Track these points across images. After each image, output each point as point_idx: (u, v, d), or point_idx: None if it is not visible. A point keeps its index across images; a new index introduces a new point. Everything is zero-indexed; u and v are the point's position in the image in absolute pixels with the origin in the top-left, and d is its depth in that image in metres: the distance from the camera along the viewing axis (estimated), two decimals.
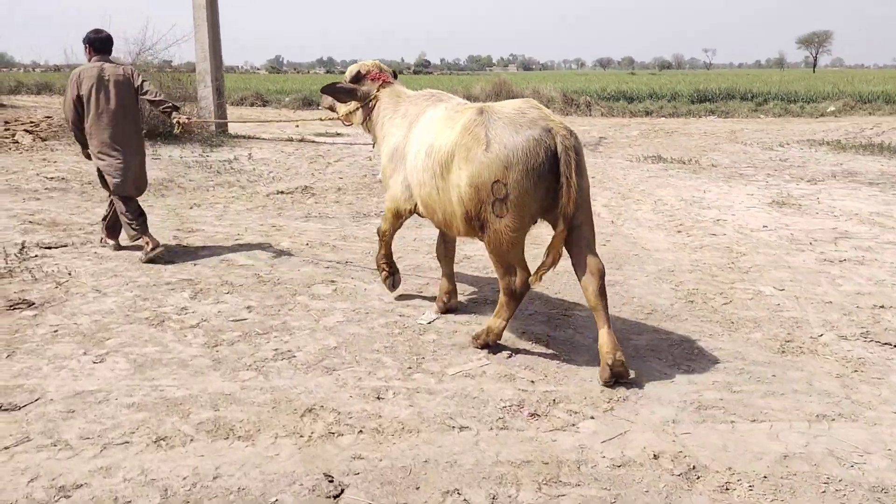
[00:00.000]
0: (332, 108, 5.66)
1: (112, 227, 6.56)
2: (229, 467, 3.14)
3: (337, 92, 5.30)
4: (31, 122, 15.32)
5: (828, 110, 24.55)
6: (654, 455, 3.27)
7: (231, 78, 38.16)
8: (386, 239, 5.19)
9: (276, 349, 4.41)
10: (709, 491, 3.02)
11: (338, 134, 16.80)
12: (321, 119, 6.16)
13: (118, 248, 6.54)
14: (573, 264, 4.11)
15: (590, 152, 14.06)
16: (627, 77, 57.68)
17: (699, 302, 5.32)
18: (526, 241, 4.25)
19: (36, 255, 6.26)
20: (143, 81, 6.37)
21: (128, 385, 3.88)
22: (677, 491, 3.02)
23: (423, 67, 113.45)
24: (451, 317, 5.01)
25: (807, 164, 12.37)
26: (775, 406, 3.75)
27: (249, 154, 12.99)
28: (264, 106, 27.78)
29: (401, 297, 5.40)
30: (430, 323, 4.89)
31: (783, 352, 4.45)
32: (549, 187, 3.91)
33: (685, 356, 4.37)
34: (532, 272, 4.13)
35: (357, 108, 5.28)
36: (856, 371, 4.18)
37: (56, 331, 4.62)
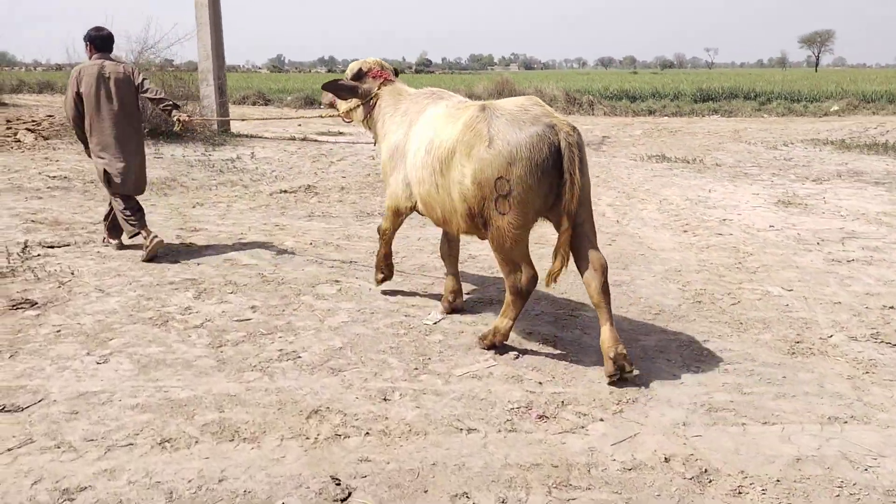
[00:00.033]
0: (332, 105, 5.65)
1: (114, 226, 6.52)
2: (235, 470, 3.09)
3: (338, 89, 5.28)
4: (33, 121, 15.30)
5: (831, 110, 24.48)
6: (666, 458, 3.22)
7: (233, 77, 38.13)
8: (387, 238, 5.18)
9: (280, 350, 4.37)
10: (721, 495, 2.98)
11: (340, 133, 16.76)
12: (321, 116, 6.16)
13: (121, 247, 6.50)
14: (575, 261, 4.08)
15: (593, 151, 14.01)
16: (629, 76, 57.62)
17: (707, 302, 5.28)
18: (531, 242, 4.23)
19: (38, 255, 6.22)
20: (143, 80, 6.36)
21: (132, 386, 3.84)
22: (689, 495, 2.97)
23: (424, 66, 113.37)
24: (456, 317, 4.96)
25: (812, 164, 12.31)
26: (786, 408, 3.71)
27: (252, 153, 12.95)
28: (266, 105, 27.76)
29: (406, 297, 5.35)
30: (435, 323, 4.84)
31: (793, 353, 4.41)
32: (553, 184, 3.90)
33: (694, 357, 4.32)
34: (543, 275, 4.09)
35: (358, 106, 5.26)
36: (867, 373, 4.13)
37: (59, 331, 4.58)
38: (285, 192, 9.58)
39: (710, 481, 3.07)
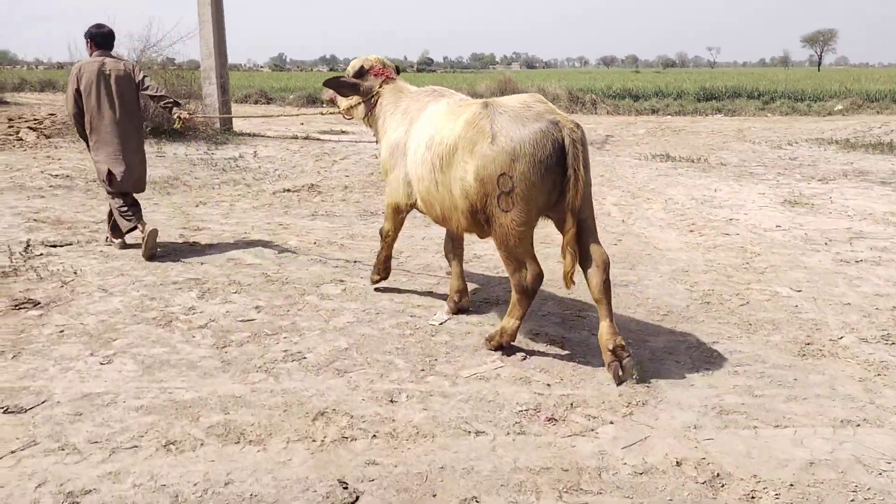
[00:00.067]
0: (332, 101, 5.63)
1: (117, 225, 6.48)
2: (241, 473, 3.05)
3: (340, 86, 5.26)
4: (35, 120, 15.26)
5: (835, 109, 24.40)
6: (677, 462, 3.18)
7: (234, 76, 38.06)
8: (389, 240, 5.18)
9: (285, 350, 4.33)
10: (734, 500, 2.93)
11: (342, 131, 16.71)
12: (322, 113, 6.16)
13: (124, 246, 6.46)
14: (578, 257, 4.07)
15: (597, 150, 13.96)
16: (632, 75, 57.55)
17: (715, 303, 5.23)
18: (537, 242, 4.20)
19: (41, 254, 6.19)
20: (143, 77, 6.35)
21: (136, 387, 3.80)
22: (702, 499, 2.93)
23: (426, 65, 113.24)
24: (463, 317, 4.92)
25: (817, 163, 12.26)
26: (798, 411, 3.66)
27: (255, 152, 12.91)
28: (268, 104, 27.74)
29: (411, 297, 5.31)
30: (441, 324, 4.80)
31: (803, 355, 4.36)
32: (556, 180, 3.89)
33: (704, 359, 4.28)
34: (549, 275, 4.06)
35: (359, 104, 5.24)
36: (879, 375, 4.09)
37: (62, 331, 4.54)
38: (288, 191, 9.54)
39: (723, 485, 3.03)
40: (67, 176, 9.91)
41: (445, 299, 5.14)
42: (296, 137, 15.49)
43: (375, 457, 3.20)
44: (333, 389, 3.82)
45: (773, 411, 3.65)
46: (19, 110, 18.06)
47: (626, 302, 5.24)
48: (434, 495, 2.94)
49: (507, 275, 4.37)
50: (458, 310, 4.98)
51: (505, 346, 4.33)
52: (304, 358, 4.22)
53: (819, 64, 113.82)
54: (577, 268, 4.02)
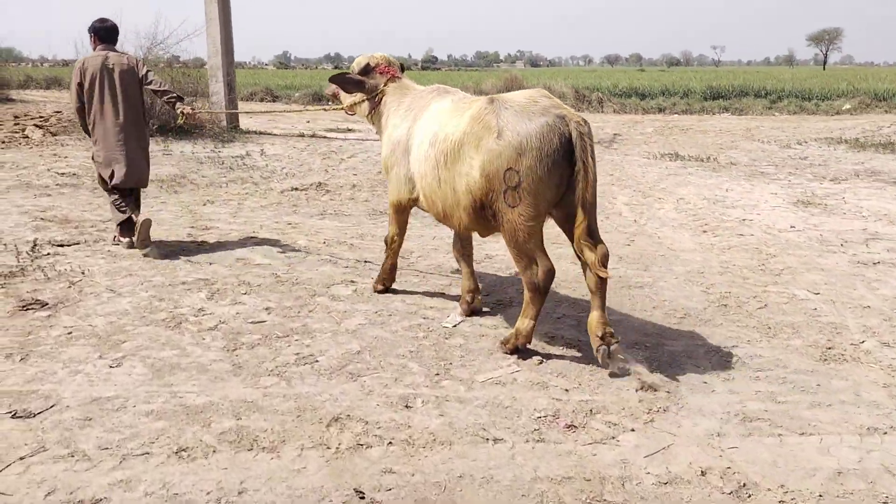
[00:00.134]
0: (335, 96, 5.58)
1: (125, 224, 6.42)
2: (255, 481, 2.98)
3: (345, 83, 5.23)
4: (41, 117, 15.23)
5: (843, 108, 24.24)
6: (702, 471, 3.10)
7: (240, 73, 37.88)
8: (394, 248, 5.17)
9: (297, 353, 4.25)
10: None
11: (349, 129, 16.63)
12: (325, 109, 6.13)
13: (132, 246, 6.39)
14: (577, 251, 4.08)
15: (605, 149, 13.87)
16: (637, 74, 57.34)
17: (733, 306, 5.14)
18: (549, 242, 4.13)
19: (48, 253, 6.12)
20: (147, 71, 6.33)
21: (146, 391, 3.73)
22: None
23: (431, 63, 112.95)
24: (476, 319, 4.84)
25: (828, 163, 12.14)
26: (823, 418, 3.57)
27: (262, 150, 12.84)
28: (274, 101, 27.65)
29: (423, 299, 5.23)
30: (455, 326, 4.72)
31: (825, 359, 4.27)
32: (563, 175, 3.88)
33: (724, 364, 4.19)
34: (562, 275, 4.00)
35: (363, 101, 5.21)
36: None
37: (70, 333, 4.47)
38: (296, 189, 9.46)
39: (750, 496, 2.95)
40: (74, 174, 9.85)
41: (458, 300, 5.05)
42: (302, 135, 15.42)
43: (392, 465, 3.12)
44: (347, 394, 3.75)
45: (797, 418, 3.56)
46: (25, 108, 18.04)
47: (641, 304, 5.15)
48: None
49: (519, 275, 4.30)
50: (472, 311, 4.91)
51: (521, 349, 4.25)
52: (317, 361, 4.14)
53: (824, 63, 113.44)
54: (569, 267, 3.99)
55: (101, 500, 2.83)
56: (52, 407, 3.54)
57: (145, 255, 6.09)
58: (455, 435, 3.37)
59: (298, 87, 31.45)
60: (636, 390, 3.82)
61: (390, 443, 3.29)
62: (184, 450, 3.19)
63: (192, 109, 6.61)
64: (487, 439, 3.33)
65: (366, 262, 6.15)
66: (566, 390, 3.83)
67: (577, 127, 3.84)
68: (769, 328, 4.73)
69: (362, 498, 2.88)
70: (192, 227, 7.29)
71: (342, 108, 5.46)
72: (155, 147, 10.76)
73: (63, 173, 9.88)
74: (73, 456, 3.12)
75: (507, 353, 4.26)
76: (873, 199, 8.97)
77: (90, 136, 6.32)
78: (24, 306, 4.86)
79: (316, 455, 3.18)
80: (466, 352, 4.31)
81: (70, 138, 13.03)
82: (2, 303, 4.93)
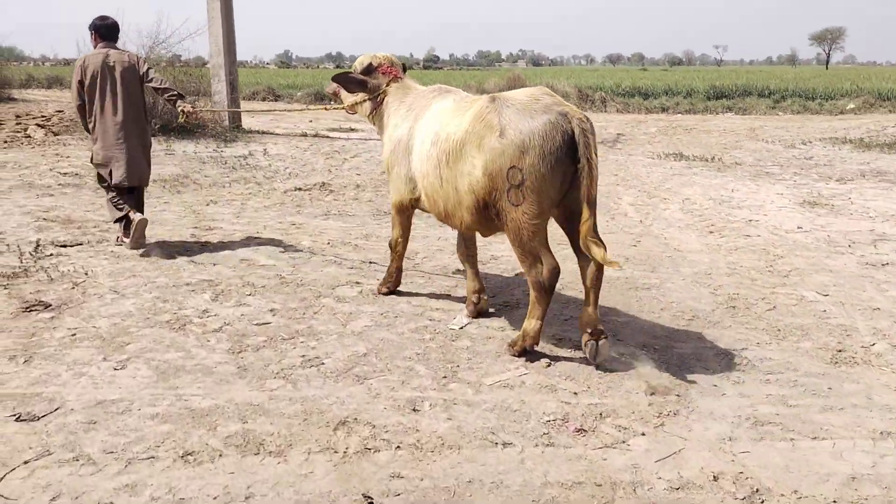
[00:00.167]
0: (336, 95, 5.56)
1: (128, 224, 6.39)
2: (262, 486, 2.94)
3: (348, 82, 5.21)
4: (43, 116, 15.20)
5: (847, 108, 24.17)
6: (714, 476, 3.05)
7: (241, 72, 37.84)
8: (399, 250, 5.15)
9: (303, 356, 4.21)
10: None
11: (352, 129, 16.60)
12: (325, 108, 6.14)
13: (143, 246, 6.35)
14: (574, 247, 4.13)
15: (609, 149, 13.83)
16: (639, 73, 57.29)
17: (741, 308, 5.09)
18: (554, 243, 4.11)
19: (51, 254, 6.09)
20: (148, 69, 6.32)
21: (151, 394, 3.70)
22: None
23: (432, 63, 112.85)
24: (483, 321, 4.80)
25: (833, 163, 12.09)
26: (835, 422, 3.53)
27: (265, 150, 12.80)
28: (276, 100, 27.63)
29: (429, 300, 5.19)
30: (461, 328, 4.68)
31: (836, 362, 4.22)
32: (566, 172, 3.87)
33: (733, 366, 4.15)
34: (568, 277, 3.99)
35: (364, 100, 5.18)
36: None
37: (74, 334, 4.44)
38: (300, 189, 9.42)
39: (763, 502, 2.91)
40: (77, 174, 9.82)
41: (464, 302, 5.02)
42: (305, 135, 15.39)
43: (400, 469, 3.08)
44: (354, 397, 3.71)
45: (809, 422, 3.52)
46: (27, 107, 18.01)
47: (649, 306, 5.11)
48: None
49: (525, 277, 4.27)
50: (478, 312, 4.87)
51: (529, 351, 4.22)
52: (323, 364, 4.11)
53: (827, 62, 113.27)
54: (576, 268, 4.04)
55: None
56: (56, 410, 3.51)
57: (143, 254, 6.06)
58: (464, 439, 3.33)
59: (300, 86, 31.42)
60: (645, 393, 3.78)
61: (398, 447, 3.25)
62: (190, 454, 3.15)
63: (193, 108, 6.58)
64: (496, 443, 3.30)
65: (371, 262, 6.11)
66: (575, 393, 3.79)
67: (579, 124, 3.84)
68: (778, 330, 4.69)
69: (370, 503, 2.84)
70: (196, 227, 7.26)
71: (343, 108, 5.44)
72: (157, 147, 10.73)
73: (65, 173, 9.85)
74: (77, 460, 3.09)
75: (514, 355, 4.22)
76: (880, 199, 8.92)
77: (91, 135, 6.29)
78: (27, 307, 4.83)
79: (323, 459, 3.15)
80: (473, 354, 4.28)
81: (72, 138, 13.00)
82: (5, 304, 4.90)
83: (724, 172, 11.11)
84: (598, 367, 4.04)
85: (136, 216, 6.10)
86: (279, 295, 5.24)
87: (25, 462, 3.06)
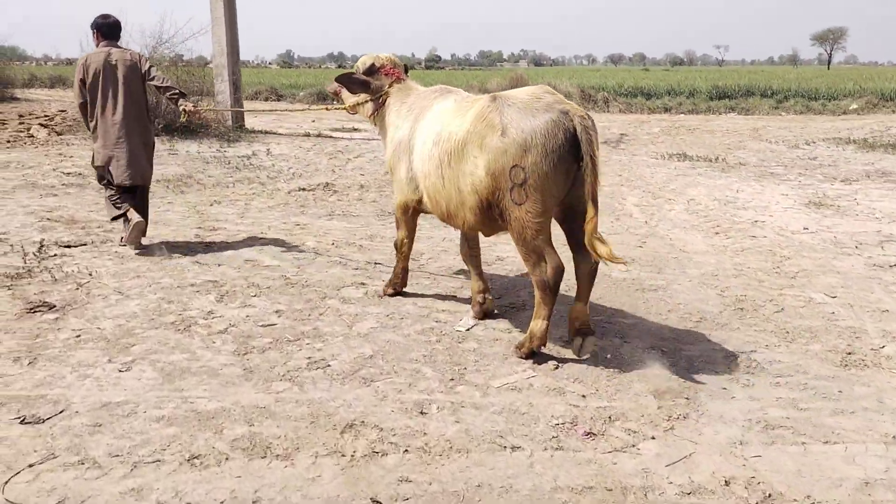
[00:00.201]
0: (337, 94, 5.54)
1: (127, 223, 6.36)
2: (269, 490, 2.91)
3: (351, 82, 5.20)
4: (46, 116, 15.19)
5: (850, 108, 24.11)
6: (725, 481, 3.02)
7: (243, 72, 37.85)
8: (405, 251, 5.12)
9: (309, 357, 4.19)
10: None
11: (355, 129, 16.57)
12: (327, 108, 6.11)
13: (140, 247, 6.33)
14: (572, 244, 4.15)
15: (612, 149, 13.79)
16: (641, 73, 57.23)
17: (749, 309, 5.06)
18: (560, 245, 4.08)
19: (55, 254, 6.06)
20: (150, 67, 6.30)
21: (156, 396, 3.67)
22: None
23: (434, 62, 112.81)
24: (489, 323, 4.77)
25: (837, 164, 12.04)
26: (847, 426, 3.50)
27: (268, 149, 12.78)
28: (278, 100, 27.63)
29: (435, 301, 5.17)
30: (468, 330, 4.65)
31: (846, 365, 4.19)
32: (569, 170, 3.87)
33: (743, 369, 4.12)
34: (572, 280, 4.02)
35: (366, 101, 5.17)
36: None
37: (79, 336, 4.41)
38: (304, 189, 9.40)
39: None
40: (80, 174, 9.80)
41: (470, 303, 4.99)
42: (308, 135, 15.36)
43: (408, 473, 3.05)
44: (361, 400, 3.68)
45: (820, 426, 3.49)
46: (30, 106, 18.01)
47: (657, 307, 5.08)
48: None
49: (529, 276, 4.25)
50: (484, 313, 4.84)
51: (536, 352, 4.19)
52: (329, 366, 4.08)
53: (829, 62, 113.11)
54: (572, 266, 4.13)
55: None
56: (61, 412, 3.48)
57: (147, 255, 6.05)
58: (472, 442, 3.30)
59: (303, 85, 31.41)
60: (654, 396, 3.75)
61: (406, 450, 3.22)
62: (196, 457, 3.13)
63: (195, 107, 6.56)
64: (505, 447, 3.27)
65: (376, 263, 6.09)
66: (583, 396, 3.76)
67: (581, 121, 3.83)
68: (787, 332, 4.66)
69: None
70: (200, 227, 7.23)
71: (344, 108, 5.42)
72: (161, 146, 10.70)
73: (69, 173, 9.83)
74: (83, 463, 3.06)
75: (522, 357, 4.19)
76: (885, 200, 8.88)
77: (93, 133, 6.27)
78: (31, 308, 4.81)
79: (331, 463, 3.12)
80: (481, 356, 4.25)
81: (75, 137, 12.99)
82: (9, 305, 4.88)
83: (729, 173, 11.07)
84: (606, 368, 4.01)
85: (133, 217, 6.06)
86: (284, 296, 5.21)
87: (30, 465, 3.04)
